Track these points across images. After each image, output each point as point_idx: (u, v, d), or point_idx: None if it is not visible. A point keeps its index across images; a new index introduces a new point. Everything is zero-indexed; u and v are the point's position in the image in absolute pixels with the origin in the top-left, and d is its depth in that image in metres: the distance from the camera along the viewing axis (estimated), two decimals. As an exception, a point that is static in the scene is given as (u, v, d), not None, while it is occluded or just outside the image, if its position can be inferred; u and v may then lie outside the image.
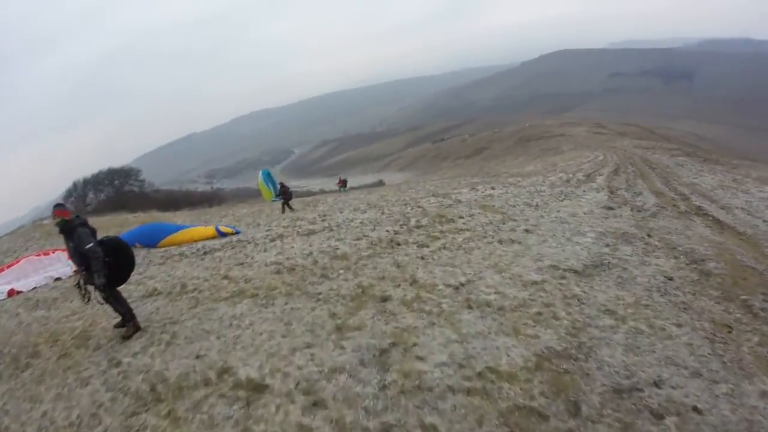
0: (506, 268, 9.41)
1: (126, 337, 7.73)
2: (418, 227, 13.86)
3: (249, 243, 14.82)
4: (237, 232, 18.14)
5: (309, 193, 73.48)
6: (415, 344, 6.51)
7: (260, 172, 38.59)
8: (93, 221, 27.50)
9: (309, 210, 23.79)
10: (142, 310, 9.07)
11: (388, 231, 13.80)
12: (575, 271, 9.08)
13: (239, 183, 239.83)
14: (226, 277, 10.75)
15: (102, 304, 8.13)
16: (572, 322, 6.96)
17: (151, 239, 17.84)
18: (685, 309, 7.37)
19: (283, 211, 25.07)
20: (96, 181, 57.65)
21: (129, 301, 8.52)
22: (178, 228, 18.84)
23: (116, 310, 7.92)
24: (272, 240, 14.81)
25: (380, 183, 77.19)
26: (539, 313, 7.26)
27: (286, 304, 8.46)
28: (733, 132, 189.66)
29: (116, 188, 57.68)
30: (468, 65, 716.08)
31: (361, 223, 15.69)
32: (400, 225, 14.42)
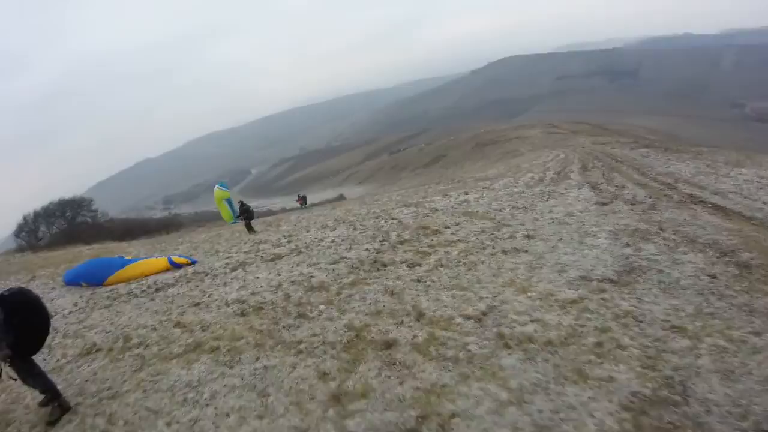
0: (528, 285, 7.54)
1: (51, 423, 5.57)
2: (401, 243, 11.89)
3: (206, 275, 12.68)
4: (193, 262, 16.06)
5: (270, 212, 71.24)
6: (454, 415, 4.42)
7: (216, 185, 35.72)
8: (46, 256, 24.72)
9: (272, 231, 21.97)
10: (76, 376, 6.84)
11: (368, 250, 11.75)
12: (611, 281, 7.37)
13: (198, 207, 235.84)
14: (178, 324, 8.42)
15: (15, 380, 5.87)
16: (642, 349, 5.23)
17: (97, 277, 15.44)
18: (750, 312, 5.85)
19: (249, 231, 23.45)
20: (47, 214, 54.09)
21: (63, 360, 6.76)
22: (126, 262, 16.53)
23: (33, 387, 5.87)
24: (233, 269, 12.70)
25: (341, 197, 75.21)
26: (599, 344, 5.43)
27: (257, 360, 6.22)
28: (679, 122, 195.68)
29: (68, 220, 54.38)
30: (418, 77, 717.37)
31: (333, 242, 13.74)
32: (380, 242, 12.47)
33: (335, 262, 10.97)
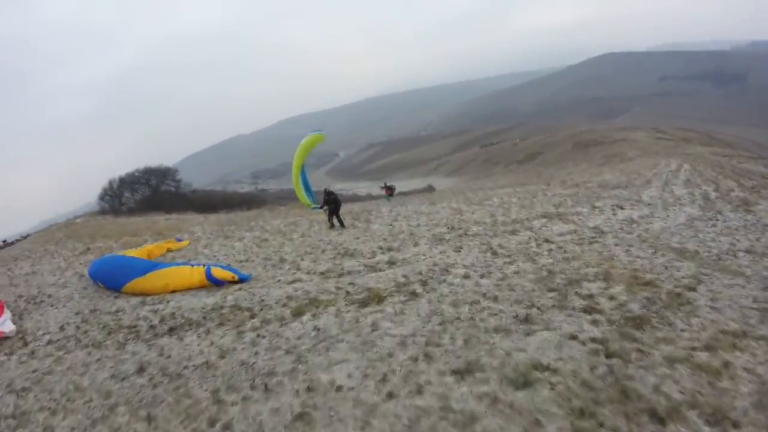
0: None
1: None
2: (628, 319, 7.04)
3: (252, 315, 8.31)
4: (242, 279, 12.42)
5: (355, 198, 67.73)
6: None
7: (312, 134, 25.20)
8: (123, 222, 27.76)
9: (361, 229, 19.23)
10: None
11: (582, 331, 6.87)
12: None
13: (283, 184, 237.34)
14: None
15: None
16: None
17: (116, 280, 12.75)
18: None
19: (332, 225, 20.69)
20: (131, 180, 54.06)
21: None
22: (151, 267, 13.22)
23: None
24: (294, 315, 8.43)
25: (430, 188, 70.85)
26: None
27: None
28: None
29: (152, 188, 54.00)
30: (510, 69, 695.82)
31: (467, 277, 9.34)
32: (566, 296, 7.61)
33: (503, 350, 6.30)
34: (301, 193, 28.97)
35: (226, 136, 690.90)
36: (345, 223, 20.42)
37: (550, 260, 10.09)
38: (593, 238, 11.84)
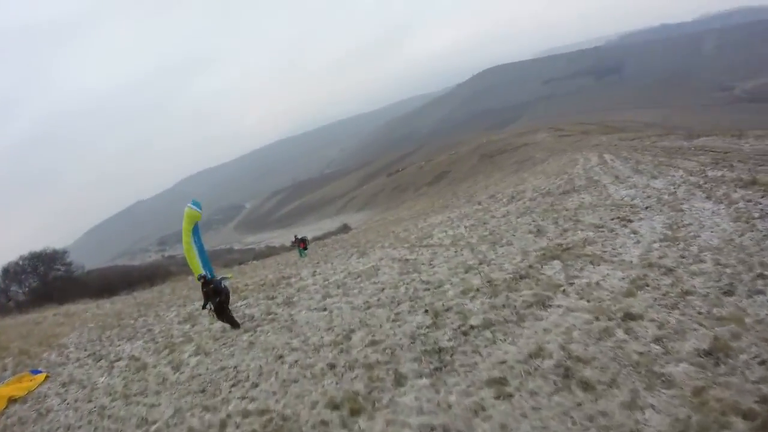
0: None
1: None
2: None
3: None
4: None
5: (269, 251, 62.71)
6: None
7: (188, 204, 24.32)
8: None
9: (278, 327, 11.86)
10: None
11: None
12: None
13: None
14: None
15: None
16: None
17: None
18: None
19: (219, 315, 12.37)
20: (16, 271, 46.89)
21: None
22: None
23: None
24: None
25: (345, 228, 66.65)
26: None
27: None
28: (670, 112, 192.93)
29: (41, 276, 47.02)
30: (402, 96, 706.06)
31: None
32: None
33: None
34: (194, 261, 24.93)
35: (125, 204, 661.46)
36: (238, 322, 12.99)
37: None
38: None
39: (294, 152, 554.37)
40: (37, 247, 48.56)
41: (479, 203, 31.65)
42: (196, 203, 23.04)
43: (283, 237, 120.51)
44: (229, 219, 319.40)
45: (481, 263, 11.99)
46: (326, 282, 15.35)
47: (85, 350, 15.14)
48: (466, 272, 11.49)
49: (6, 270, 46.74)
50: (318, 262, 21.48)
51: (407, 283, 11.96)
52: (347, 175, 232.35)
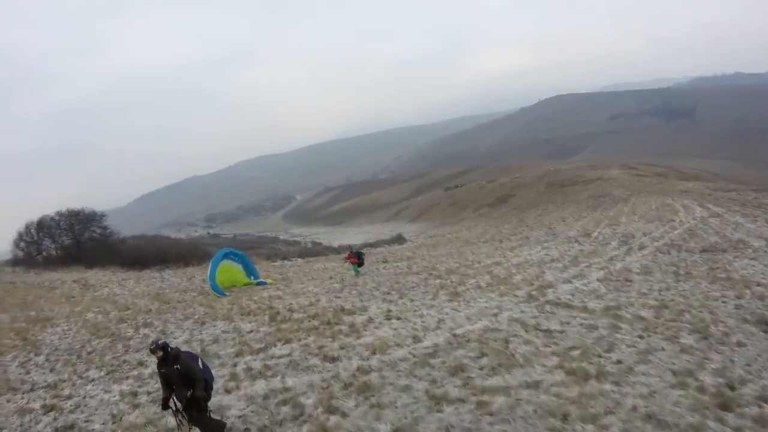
0: None
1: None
2: None
3: None
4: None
5: (314, 250, 59.31)
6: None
7: (220, 256, 24.27)
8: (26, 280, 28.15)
9: None
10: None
11: None
12: None
13: (238, 228, 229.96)
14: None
15: None
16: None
17: None
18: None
19: (193, 419, 7.17)
20: (51, 225, 45.18)
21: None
22: None
23: None
24: None
25: (400, 239, 62.44)
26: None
27: None
28: (740, 166, 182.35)
29: (75, 235, 44.75)
30: (463, 113, 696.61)
31: None
32: None
33: None
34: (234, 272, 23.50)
35: (181, 177, 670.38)
36: None
37: None
38: None
39: (350, 153, 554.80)
40: (87, 205, 46.59)
41: (576, 241, 27.63)
42: (231, 253, 25.56)
43: (330, 235, 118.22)
44: (278, 207, 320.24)
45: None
46: (418, 346, 10.69)
47: (45, 373, 11.63)
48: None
49: (41, 223, 45.16)
50: (388, 292, 17.41)
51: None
52: (402, 183, 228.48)
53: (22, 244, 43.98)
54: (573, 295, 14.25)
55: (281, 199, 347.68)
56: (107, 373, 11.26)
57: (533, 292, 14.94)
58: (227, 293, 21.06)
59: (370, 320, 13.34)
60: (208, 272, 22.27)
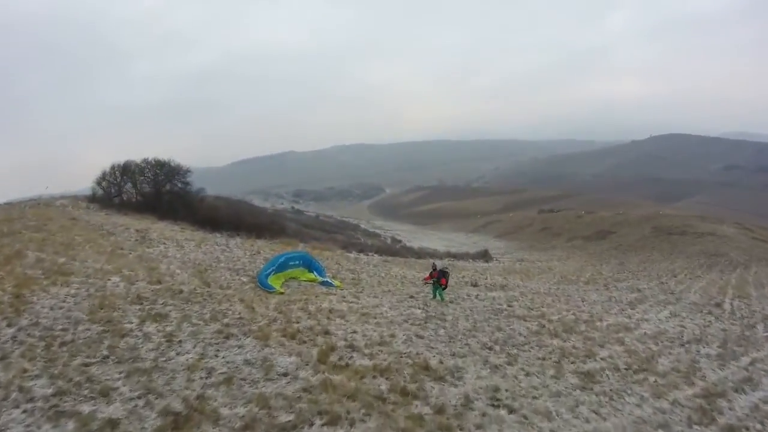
0: None
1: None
2: None
3: None
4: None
5: (392, 248, 55.64)
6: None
7: (263, 270, 20.35)
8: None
9: None
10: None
11: None
12: None
13: (323, 208, 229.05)
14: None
15: None
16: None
17: None
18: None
19: None
20: (135, 170, 44.93)
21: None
22: None
23: None
24: None
25: (486, 255, 57.99)
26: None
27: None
28: None
29: (156, 184, 44.73)
30: (570, 136, 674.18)
31: None
32: None
33: None
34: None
35: (279, 149, 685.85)
36: None
37: None
38: None
39: (447, 156, 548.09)
40: (189, 161, 46.34)
41: (709, 312, 22.73)
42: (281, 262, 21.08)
43: (412, 235, 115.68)
44: (366, 196, 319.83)
45: None
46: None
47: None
48: None
49: (126, 167, 44.41)
50: (490, 345, 12.97)
51: None
52: (494, 195, 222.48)
53: (104, 183, 43.43)
54: (760, 420, 9.65)
55: (370, 189, 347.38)
56: (55, 394, 7.55)
57: (701, 402, 10.34)
58: (283, 288, 17.91)
59: (468, 402, 8.92)
60: (258, 275, 19.18)
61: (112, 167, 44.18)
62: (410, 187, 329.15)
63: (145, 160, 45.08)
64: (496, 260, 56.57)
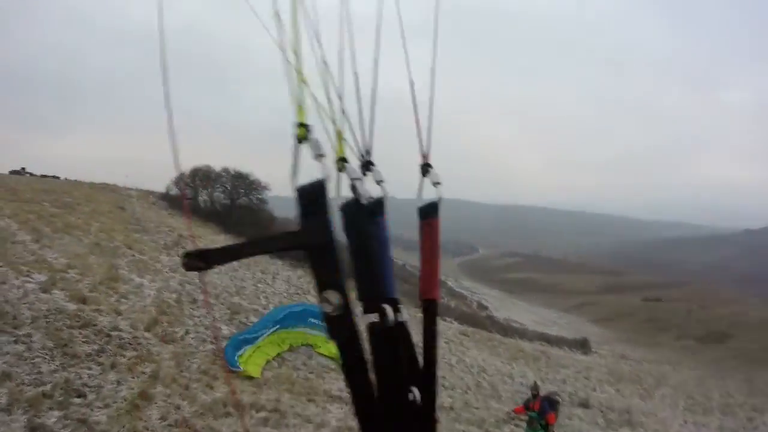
0: None
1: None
2: None
3: None
4: None
5: (473, 317, 48.92)
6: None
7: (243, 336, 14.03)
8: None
9: None
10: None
11: None
12: None
13: (412, 258, 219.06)
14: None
15: None
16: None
17: None
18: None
19: None
20: (213, 177, 44.19)
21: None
22: None
23: None
24: None
25: (585, 345, 50.13)
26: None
27: None
28: None
29: (231, 195, 43.87)
30: (679, 218, 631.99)
31: None
32: None
33: None
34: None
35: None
36: None
37: None
38: None
39: (546, 224, 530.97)
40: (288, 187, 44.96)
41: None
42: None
43: (499, 302, 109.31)
44: (458, 253, 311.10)
45: None
46: None
47: None
48: None
49: (206, 172, 43.80)
50: None
51: None
52: (593, 273, 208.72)
53: (180, 184, 42.55)
54: None
55: (463, 247, 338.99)
56: None
57: None
58: (260, 370, 12.13)
59: None
60: (231, 338, 13.13)
61: (192, 170, 42.99)
62: (504, 251, 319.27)
63: (225, 169, 43.94)
64: (596, 353, 48.75)
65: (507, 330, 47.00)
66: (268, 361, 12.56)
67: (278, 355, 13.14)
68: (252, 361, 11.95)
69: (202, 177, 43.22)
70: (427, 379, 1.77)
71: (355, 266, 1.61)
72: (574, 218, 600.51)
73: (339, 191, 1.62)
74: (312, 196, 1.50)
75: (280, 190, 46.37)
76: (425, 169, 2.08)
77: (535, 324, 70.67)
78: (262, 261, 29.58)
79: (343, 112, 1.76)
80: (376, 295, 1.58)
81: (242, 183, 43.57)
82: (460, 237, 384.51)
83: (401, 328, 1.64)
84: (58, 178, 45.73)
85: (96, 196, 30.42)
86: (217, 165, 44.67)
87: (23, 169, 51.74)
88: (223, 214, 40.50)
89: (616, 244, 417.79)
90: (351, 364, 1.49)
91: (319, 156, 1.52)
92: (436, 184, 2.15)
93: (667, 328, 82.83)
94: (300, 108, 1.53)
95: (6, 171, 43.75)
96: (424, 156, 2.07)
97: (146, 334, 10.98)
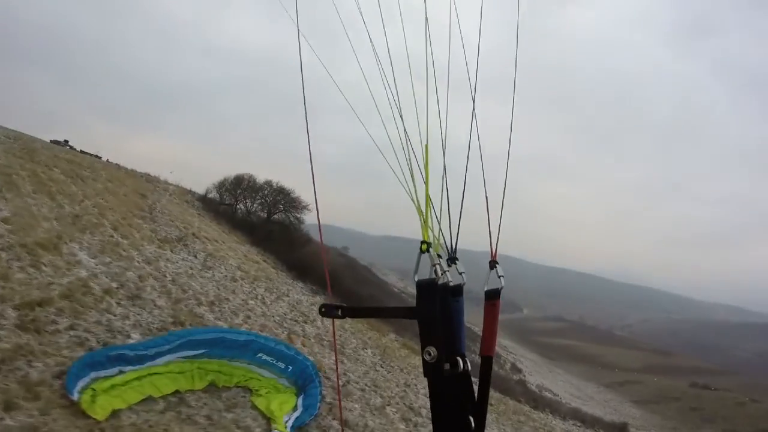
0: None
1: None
2: None
3: None
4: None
5: (506, 379, 46.02)
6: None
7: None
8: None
9: None
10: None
11: None
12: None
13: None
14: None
15: None
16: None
17: None
18: None
19: None
20: (255, 189, 44.48)
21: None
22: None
23: None
24: None
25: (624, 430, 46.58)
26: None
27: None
28: None
29: (268, 208, 43.90)
30: (733, 302, 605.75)
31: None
32: None
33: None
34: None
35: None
36: None
37: None
38: None
39: (595, 292, 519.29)
40: (344, 220, 45.73)
41: None
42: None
43: (536, 367, 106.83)
44: (501, 311, 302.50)
45: None
46: None
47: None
48: None
49: (250, 183, 44.39)
50: None
51: None
52: (638, 350, 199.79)
53: (222, 189, 43.91)
54: None
55: (508, 305, 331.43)
56: None
57: None
58: (106, 411, 7.77)
59: None
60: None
61: (236, 178, 43.92)
62: (549, 314, 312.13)
63: (268, 182, 44.20)
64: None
65: (538, 401, 44.13)
66: (145, 399, 8.73)
67: (176, 392, 9.38)
68: (109, 394, 8.12)
69: (245, 186, 43.52)
70: (480, 411, 3.01)
71: (442, 330, 2.86)
72: (624, 289, 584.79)
73: (437, 273, 3.08)
74: (426, 288, 2.95)
75: (323, 218, 45.12)
76: (492, 264, 3.43)
77: (571, 397, 67.22)
78: (275, 277, 27.70)
79: (439, 226, 3.36)
80: (453, 350, 2.89)
81: (283, 198, 43.43)
82: (505, 294, 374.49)
83: (466, 373, 2.91)
84: (99, 157, 45.69)
85: (123, 179, 29.90)
86: (261, 177, 44.82)
87: (66, 141, 52.43)
88: (255, 225, 40.37)
89: (666, 321, 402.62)
90: (437, 392, 2.76)
91: (433, 265, 3.09)
92: (500, 277, 3.50)
93: (712, 420, 77.12)
94: (425, 229, 3.18)
95: (48, 140, 42.89)
96: (493, 255, 3.43)
97: (13, 313, 8.19)
